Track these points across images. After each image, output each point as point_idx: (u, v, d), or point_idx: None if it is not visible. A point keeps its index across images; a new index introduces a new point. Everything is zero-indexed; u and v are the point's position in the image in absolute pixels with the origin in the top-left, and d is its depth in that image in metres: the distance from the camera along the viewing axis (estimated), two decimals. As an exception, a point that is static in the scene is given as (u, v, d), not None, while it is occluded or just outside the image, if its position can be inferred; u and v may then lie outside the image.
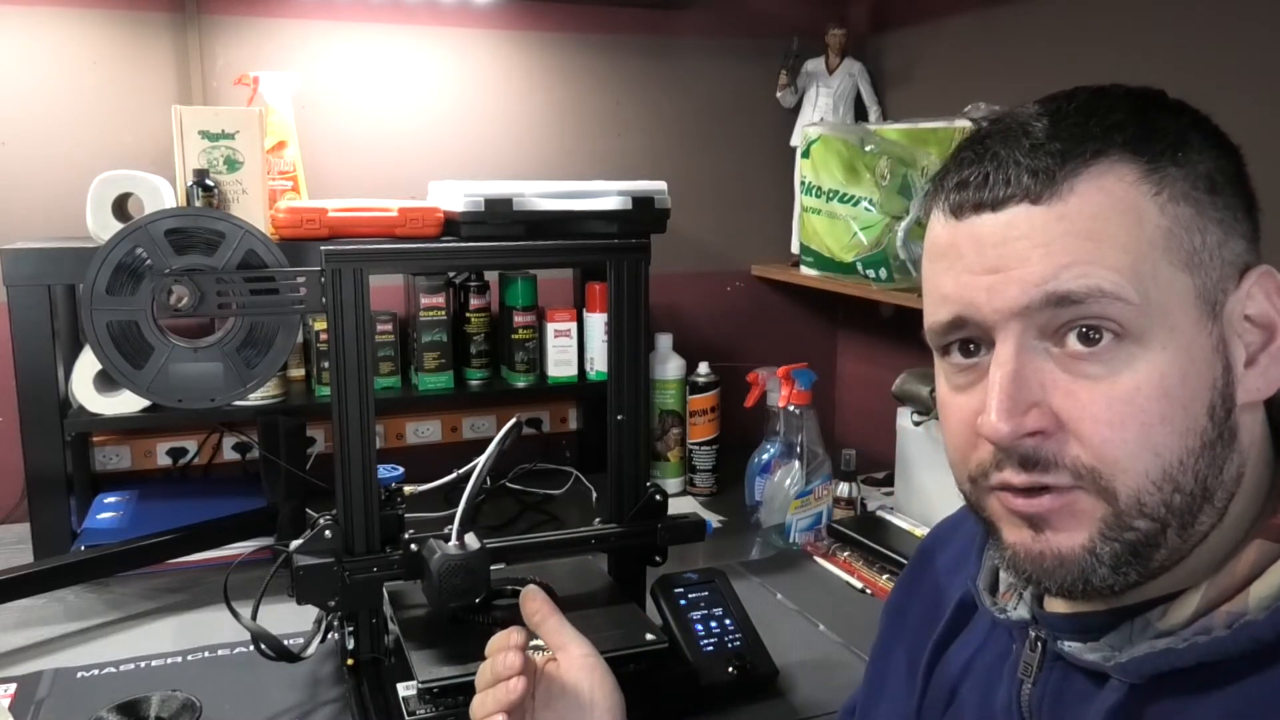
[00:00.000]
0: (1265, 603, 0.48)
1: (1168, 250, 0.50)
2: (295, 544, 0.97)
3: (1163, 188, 0.50)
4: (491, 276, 1.65)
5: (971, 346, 0.55)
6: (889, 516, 1.48)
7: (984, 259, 0.52)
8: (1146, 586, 0.53)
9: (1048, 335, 0.51)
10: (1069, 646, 0.56)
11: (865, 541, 1.40)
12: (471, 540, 0.94)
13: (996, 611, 0.62)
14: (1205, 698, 0.49)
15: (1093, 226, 0.50)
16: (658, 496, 1.09)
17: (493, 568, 0.97)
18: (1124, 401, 0.50)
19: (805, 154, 1.71)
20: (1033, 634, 0.59)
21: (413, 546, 0.96)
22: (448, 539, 0.94)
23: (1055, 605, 0.59)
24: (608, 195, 1.38)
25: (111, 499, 1.53)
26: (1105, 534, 0.51)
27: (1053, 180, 0.50)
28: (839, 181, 1.61)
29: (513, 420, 0.98)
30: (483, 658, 0.74)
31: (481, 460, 0.96)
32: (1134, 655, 0.52)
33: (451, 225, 1.36)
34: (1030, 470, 0.52)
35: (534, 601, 0.77)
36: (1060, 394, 0.51)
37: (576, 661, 0.74)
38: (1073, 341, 0.51)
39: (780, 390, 1.51)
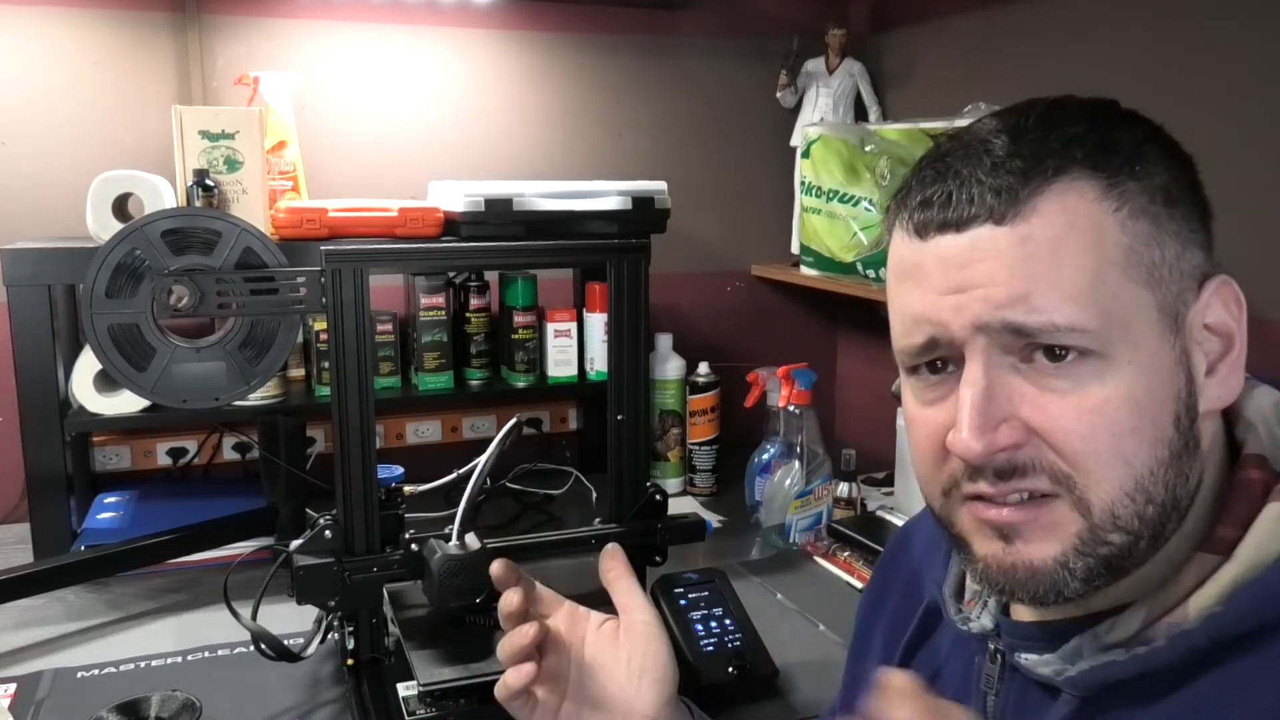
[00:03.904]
0: (1203, 614, 0.49)
1: (1128, 268, 0.50)
2: (295, 544, 0.97)
3: (1123, 203, 0.51)
4: (491, 276, 1.65)
5: (939, 363, 0.55)
6: (889, 516, 1.48)
7: (949, 279, 0.52)
8: (1105, 594, 0.54)
9: (1014, 352, 0.51)
10: (1024, 659, 0.56)
11: (865, 541, 1.40)
12: (472, 540, 0.94)
13: (959, 622, 0.62)
14: (1149, 707, 0.50)
15: (1054, 248, 0.50)
16: (658, 496, 1.08)
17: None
18: (1094, 413, 0.50)
19: (805, 154, 1.71)
20: (991, 647, 0.60)
21: (413, 546, 0.96)
22: (448, 539, 0.94)
23: (1019, 612, 0.60)
24: (608, 195, 1.38)
25: (111, 499, 1.53)
26: (1080, 549, 0.51)
27: (1016, 200, 0.50)
28: (839, 181, 1.62)
29: (513, 420, 0.98)
30: (483, 658, 0.74)
31: (482, 460, 0.96)
32: (1081, 669, 0.52)
33: (451, 225, 1.35)
34: (1007, 480, 0.52)
35: (612, 560, 0.78)
36: (1029, 406, 0.51)
37: (636, 627, 0.74)
38: (1039, 358, 0.51)
39: (780, 390, 1.51)
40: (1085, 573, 0.51)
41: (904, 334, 0.56)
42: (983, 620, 0.61)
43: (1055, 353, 0.50)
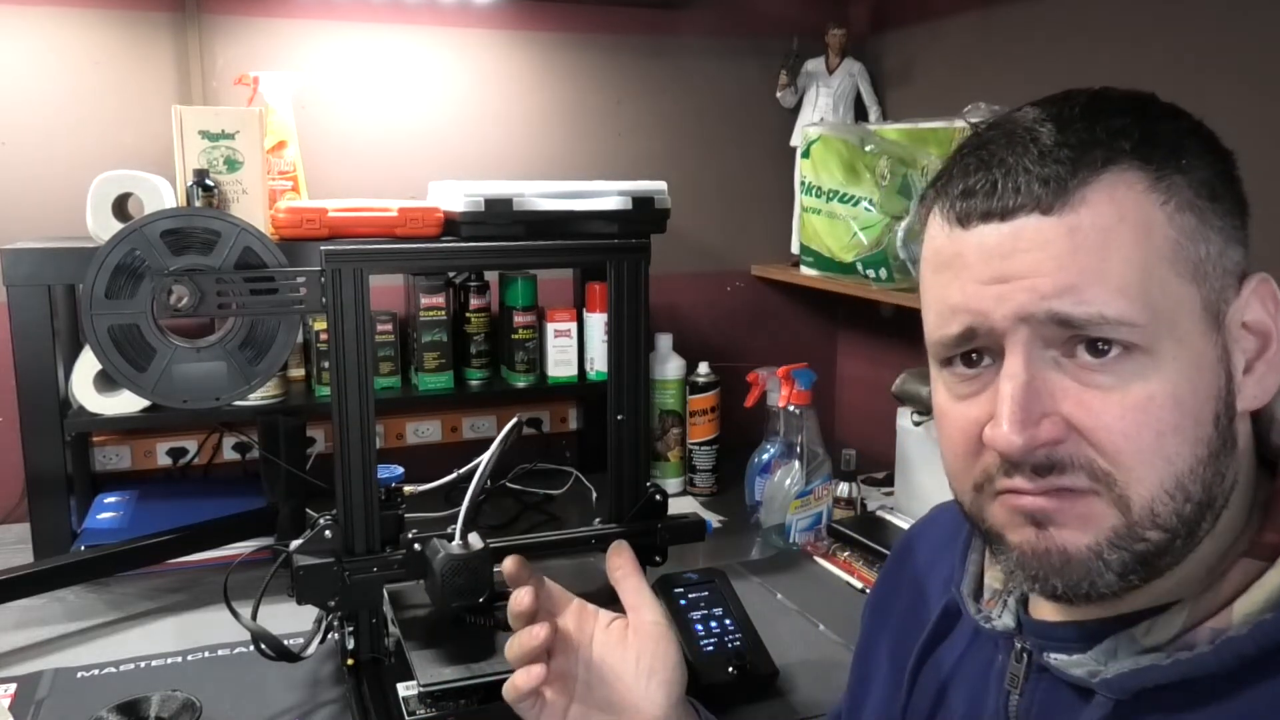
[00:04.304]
0: (1249, 619, 0.48)
1: (1175, 262, 0.49)
2: (295, 544, 0.97)
3: (1170, 196, 0.50)
4: (491, 276, 1.65)
5: (974, 356, 0.54)
6: (889, 516, 1.48)
7: (992, 269, 0.51)
8: (1136, 595, 0.53)
9: (1056, 345, 0.51)
10: (1055, 659, 0.55)
11: (865, 541, 1.40)
12: (474, 540, 0.94)
13: (981, 620, 0.61)
14: (1190, 714, 0.49)
15: (1103, 240, 0.49)
16: (658, 496, 1.08)
17: (495, 569, 0.97)
18: (1137, 410, 0.49)
19: (805, 154, 1.71)
20: (1018, 645, 0.59)
21: (416, 546, 0.96)
22: (451, 538, 0.94)
23: (1041, 612, 0.59)
24: (608, 195, 1.38)
25: (111, 499, 1.53)
26: (1115, 542, 0.50)
27: (1064, 190, 0.49)
28: (839, 181, 1.61)
29: (514, 419, 0.98)
30: (483, 658, 0.74)
31: (484, 459, 0.96)
32: (1119, 671, 0.51)
33: (451, 225, 1.36)
34: (1045, 476, 0.51)
35: (619, 556, 0.75)
36: (1071, 403, 0.50)
37: (645, 627, 0.72)
38: (1082, 353, 0.50)
39: (780, 390, 1.51)
40: (1120, 566, 0.51)
41: (940, 324, 0.55)
42: (1004, 619, 0.61)
43: (1099, 347, 0.49)
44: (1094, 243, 0.49)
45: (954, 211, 0.53)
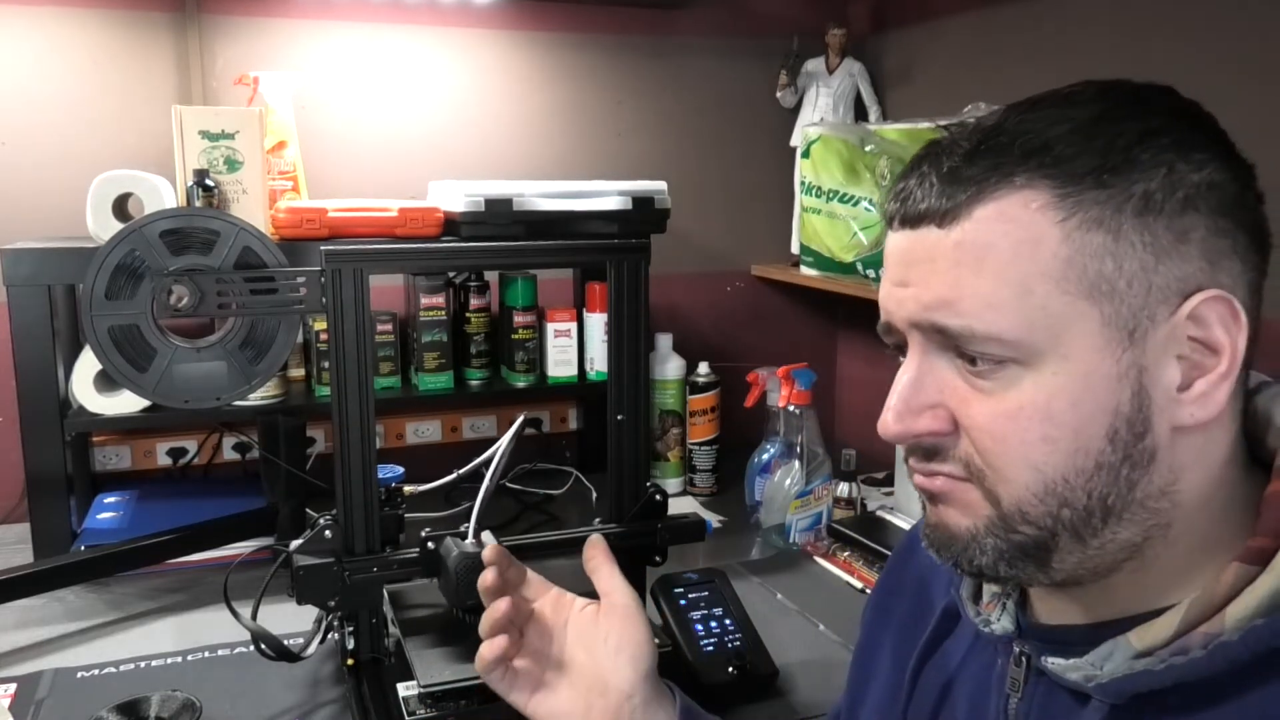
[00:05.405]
0: (1241, 624, 0.48)
1: (1064, 280, 0.50)
2: (295, 544, 0.97)
3: (1073, 213, 0.50)
4: (491, 276, 1.65)
5: (899, 347, 0.58)
6: (889, 516, 1.48)
7: (899, 273, 0.55)
8: (1119, 600, 0.54)
9: (949, 349, 0.53)
10: (1051, 664, 0.56)
11: (865, 541, 1.40)
12: (488, 538, 0.94)
13: (980, 624, 0.62)
14: (1185, 718, 0.50)
15: (983, 257, 0.51)
16: (658, 496, 1.08)
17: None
18: (1005, 417, 0.52)
19: (805, 154, 1.71)
20: (1016, 649, 0.60)
21: (429, 544, 0.96)
22: (464, 537, 0.94)
23: (1039, 614, 0.60)
24: (608, 195, 1.38)
25: (111, 499, 1.53)
26: (991, 529, 0.54)
27: (956, 205, 0.52)
28: (839, 181, 1.62)
29: (521, 416, 0.99)
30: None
31: (498, 457, 0.96)
32: (1113, 676, 0.52)
33: (451, 225, 1.36)
34: (928, 460, 0.55)
35: (593, 549, 0.80)
36: (956, 400, 0.54)
37: (616, 609, 0.76)
38: (966, 359, 0.53)
39: (780, 390, 1.51)
40: (996, 552, 0.54)
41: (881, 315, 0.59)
42: (1003, 622, 0.61)
43: (975, 361, 0.52)
44: (973, 258, 0.51)
45: (886, 212, 0.57)
